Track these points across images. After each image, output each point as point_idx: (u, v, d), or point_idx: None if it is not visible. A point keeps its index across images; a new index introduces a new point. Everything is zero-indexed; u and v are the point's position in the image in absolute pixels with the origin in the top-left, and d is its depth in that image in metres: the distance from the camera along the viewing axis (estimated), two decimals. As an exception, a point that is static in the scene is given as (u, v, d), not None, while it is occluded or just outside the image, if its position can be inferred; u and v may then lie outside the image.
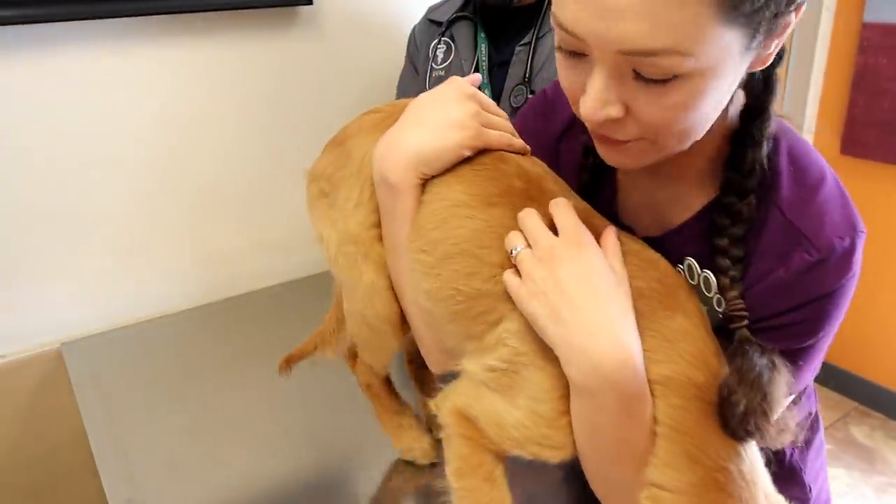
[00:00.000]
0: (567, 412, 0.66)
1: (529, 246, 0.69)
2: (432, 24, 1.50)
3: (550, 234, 0.68)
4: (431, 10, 1.55)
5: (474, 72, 1.39)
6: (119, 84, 1.46)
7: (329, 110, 1.73)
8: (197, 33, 1.51)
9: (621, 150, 0.68)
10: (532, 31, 1.35)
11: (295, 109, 1.70)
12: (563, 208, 0.70)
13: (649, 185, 0.80)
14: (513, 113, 1.35)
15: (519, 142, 0.80)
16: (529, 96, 1.31)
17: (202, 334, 1.54)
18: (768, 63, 0.65)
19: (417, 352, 1.13)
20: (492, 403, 0.70)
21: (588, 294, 0.64)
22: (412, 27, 1.56)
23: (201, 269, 1.67)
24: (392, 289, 0.84)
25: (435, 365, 0.86)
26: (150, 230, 1.58)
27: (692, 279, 0.74)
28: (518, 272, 0.69)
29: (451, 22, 1.45)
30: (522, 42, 1.35)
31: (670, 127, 0.63)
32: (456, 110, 0.77)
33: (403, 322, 0.85)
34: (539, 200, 0.73)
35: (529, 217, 0.70)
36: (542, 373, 0.67)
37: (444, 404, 0.75)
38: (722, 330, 0.68)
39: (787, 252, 0.68)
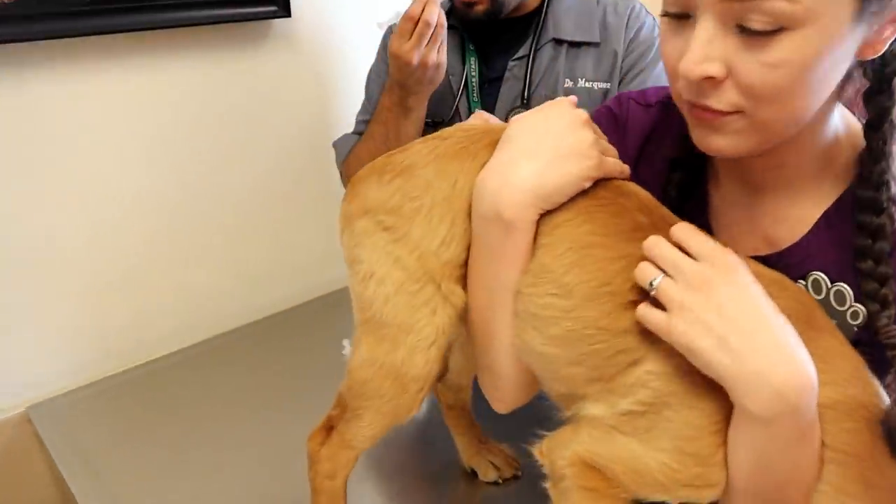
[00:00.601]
0: (722, 446, 0.63)
1: (667, 275, 0.65)
2: None
3: (690, 259, 0.65)
4: None
5: (463, 89, 1.33)
6: (79, 110, 1.33)
7: (312, 128, 1.65)
8: (164, 52, 1.40)
9: (718, 129, 0.67)
10: (529, 41, 1.29)
11: (275, 128, 1.60)
12: (693, 231, 0.67)
13: (747, 198, 0.78)
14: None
15: (626, 167, 0.78)
16: None
17: (186, 380, 1.43)
18: (880, 52, 0.64)
19: (457, 399, 1.09)
20: (627, 449, 0.67)
21: (754, 318, 0.61)
22: (389, 27, 1.44)
23: (179, 310, 1.55)
24: (443, 348, 0.79)
25: (505, 404, 0.84)
26: (120, 271, 1.45)
27: (818, 294, 0.72)
28: (654, 305, 0.65)
29: None
30: (516, 56, 1.29)
31: (769, 92, 0.61)
32: (573, 137, 0.73)
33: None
34: (657, 229, 0.71)
35: (660, 245, 0.67)
36: (693, 411, 0.64)
37: (561, 453, 0.71)
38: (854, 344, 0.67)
39: None
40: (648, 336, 0.67)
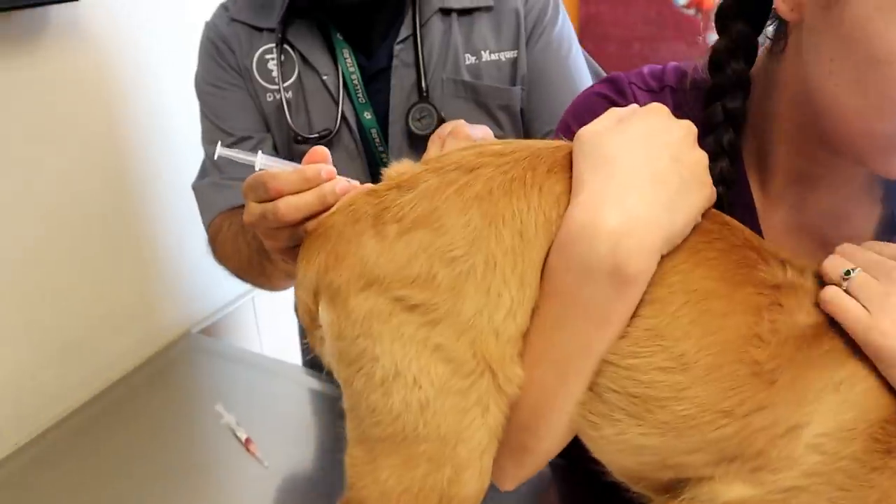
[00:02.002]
0: None
1: None
2: (247, 28, 1.10)
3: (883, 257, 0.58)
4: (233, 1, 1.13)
5: (344, 90, 1.08)
6: None
7: (107, 144, 1.28)
8: None
9: None
10: (411, 17, 1.06)
11: (60, 147, 1.21)
12: (873, 242, 0.60)
13: (799, 196, 0.70)
14: (420, 142, 1.08)
15: None
16: (440, 117, 1.05)
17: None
18: None
19: None
20: None
21: None
22: (207, 23, 1.14)
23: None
24: (495, 452, 0.62)
25: (519, 481, 0.70)
26: None
27: None
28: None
29: (285, 23, 1.08)
30: (400, 38, 1.07)
31: None
32: (691, 158, 0.59)
33: None
34: (770, 264, 0.61)
35: (848, 246, 0.61)
36: (881, 472, 0.55)
37: None
38: None
39: None
40: (801, 397, 0.57)
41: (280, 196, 0.68)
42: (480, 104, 1.08)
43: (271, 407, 1.25)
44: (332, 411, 1.27)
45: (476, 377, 0.59)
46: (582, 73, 1.12)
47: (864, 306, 0.56)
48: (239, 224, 1.00)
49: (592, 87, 0.81)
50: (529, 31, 1.08)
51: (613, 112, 0.62)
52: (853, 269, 0.58)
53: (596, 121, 0.62)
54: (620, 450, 0.62)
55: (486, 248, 0.58)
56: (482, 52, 1.08)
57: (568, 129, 0.78)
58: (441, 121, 1.05)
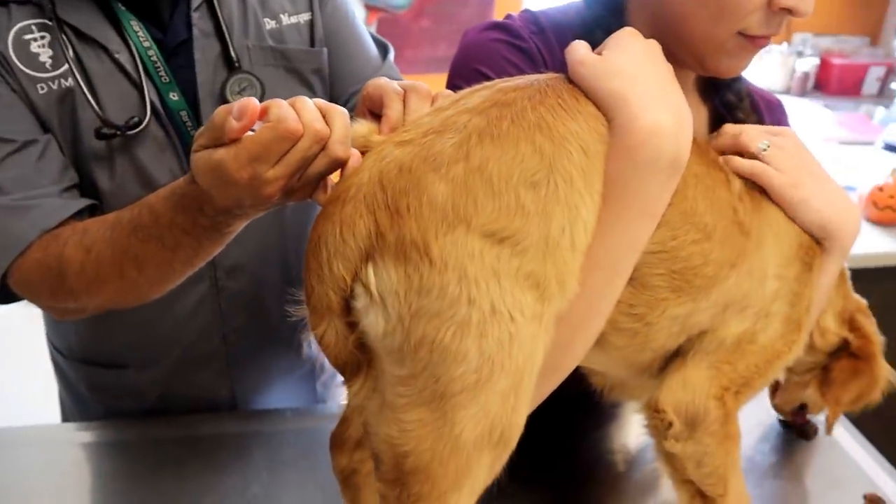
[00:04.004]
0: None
1: None
2: None
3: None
4: None
5: (144, 71, 0.92)
6: None
7: None
8: None
9: (756, 52, 0.77)
10: None
11: None
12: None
13: None
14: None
15: None
16: (263, 86, 0.97)
17: None
18: None
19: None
20: (756, 353, 0.76)
21: (821, 171, 0.80)
22: None
23: None
24: None
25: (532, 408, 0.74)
26: None
27: None
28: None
29: None
30: (194, 6, 0.94)
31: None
32: (669, 66, 0.70)
33: None
34: (701, 146, 0.75)
35: (747, 127, 0.80)
36: (808, 273, 0.79)
37: (699, 396, 0.74)
38: None
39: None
40: (762, 243, 0.75)
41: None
42: (292, 70, 1.03)
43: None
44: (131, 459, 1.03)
45: (553, 299, 0.61)
46: (367, 35, 1.13)
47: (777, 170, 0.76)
48: (114, 226, 0.81)
49: (480, 34, 0.85)
50: None
51: (580, 44, 0.69)
52: (766, 144, 0.77)
53: (576, 51, 0.67)
54: (657, 330, 0.72)
55: (562, 167, 0.61)
56: (281, 16, 1.02)
57: (479, 74, 0.82)
58: (263, 90, 0.98)
